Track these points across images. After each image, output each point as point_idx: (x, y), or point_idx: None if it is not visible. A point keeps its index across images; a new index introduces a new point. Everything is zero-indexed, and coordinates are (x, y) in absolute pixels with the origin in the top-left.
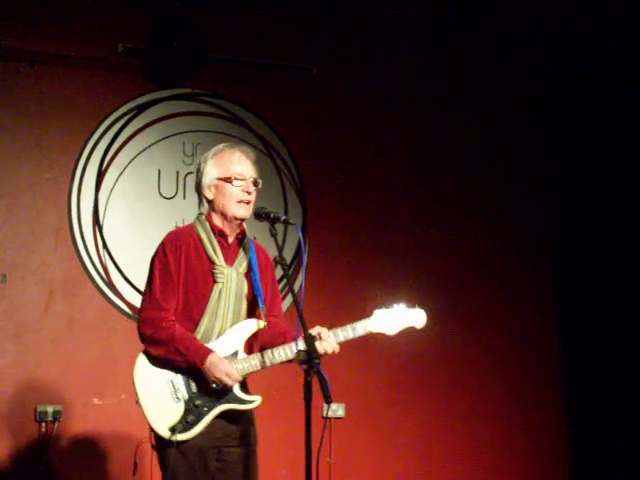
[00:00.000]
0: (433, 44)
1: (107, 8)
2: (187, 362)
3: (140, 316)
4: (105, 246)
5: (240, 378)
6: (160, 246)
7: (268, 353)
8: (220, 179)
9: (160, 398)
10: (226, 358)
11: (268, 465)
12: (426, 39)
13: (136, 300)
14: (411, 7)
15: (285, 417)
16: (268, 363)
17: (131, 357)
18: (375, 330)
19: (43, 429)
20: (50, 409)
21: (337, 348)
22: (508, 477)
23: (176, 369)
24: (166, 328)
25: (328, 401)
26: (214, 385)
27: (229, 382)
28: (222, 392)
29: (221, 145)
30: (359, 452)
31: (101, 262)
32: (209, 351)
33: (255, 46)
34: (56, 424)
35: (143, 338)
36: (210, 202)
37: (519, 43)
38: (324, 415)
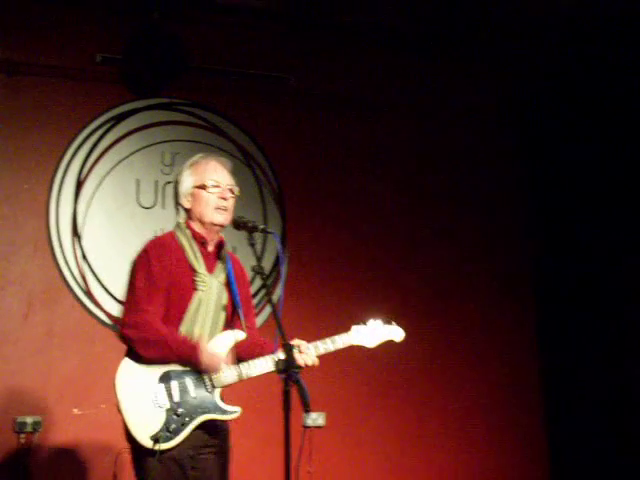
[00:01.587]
0: (412, 53)
1: (85, 18)
2: (179, 356)
3: (122, 320)
4: (84, 256)
5: (224, 362)
6: (142, 253)
7: (248, 365)
8: (196, 187)
9: (141, 405)
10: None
11: (248, 474)
12: (405, 48)
13: (115, 310)
14: (389, 16)
15: (265, 426)
16: (247, 375)
17: (110, 367)
18: (355, 343)
19: (22, 440)
20: (29, 420)
21: (317, 361)
22: None
23: (158, 378)
24: (152, 328)
25: (307, 410)
26: (206, 374)
27: (218, 364)
28: (205, 400)
29: (197, 155)
30: (339, 461)
31: (80, 272)
32: (197, 342)
33: (233, 56)
34: (35, 435)
35: (129, 341)
36: (188, 211)
37: (497, 51)
38: (304, 424)
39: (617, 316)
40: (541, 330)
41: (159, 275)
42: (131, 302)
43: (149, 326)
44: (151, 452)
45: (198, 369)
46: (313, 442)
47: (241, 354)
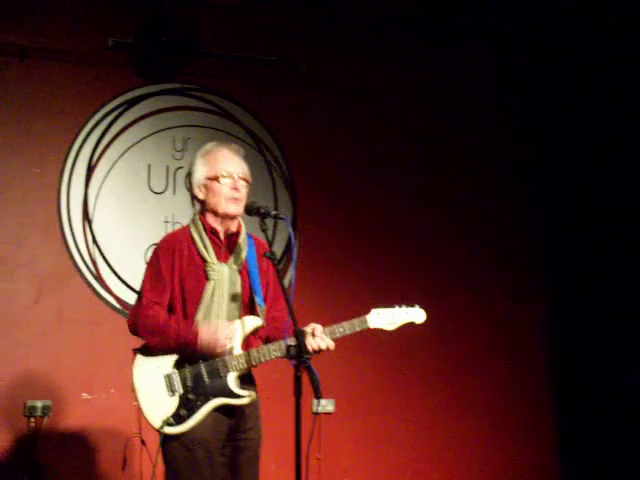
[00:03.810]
0: (424, 40)
1: (97, 2)
2: (178, 342)
3: (128, 314)
4: (94, 241)
5: (232, 335)
6: (154, 250)
7: (258, 350)
8: (208, 178)
9: (156, 393)
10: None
11: None
12: (417, 35)
13: (125, 295)
14: (402, 3)
15: (275, 412)
16: (258, 360)
17: (120, 351)
18: (373, 326)
19: (32, 424)
20: (39, 404)
21: (332, 345)
22: (496, 471)
23: (173, 364)
24: (151, 316)
25: (318, 396)
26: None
27: (222, 340)
28: (217, 385)
29: (209, 144)
30: (348, 448)
31: (90, 257)
32: (197, 327)
33: (245, 41)
34: (45, 419)
35: (135, 332)
36: (202, 202)
37: (509, 39)
38: (314, 411)
39: (630, 310)
40: (551, 324)
41: (166, 270)
42: (137, 296)
43: (145, 314)
44: (173, 437)
45: (202, 353)
46: (322, 428)
47: (270, 337)
